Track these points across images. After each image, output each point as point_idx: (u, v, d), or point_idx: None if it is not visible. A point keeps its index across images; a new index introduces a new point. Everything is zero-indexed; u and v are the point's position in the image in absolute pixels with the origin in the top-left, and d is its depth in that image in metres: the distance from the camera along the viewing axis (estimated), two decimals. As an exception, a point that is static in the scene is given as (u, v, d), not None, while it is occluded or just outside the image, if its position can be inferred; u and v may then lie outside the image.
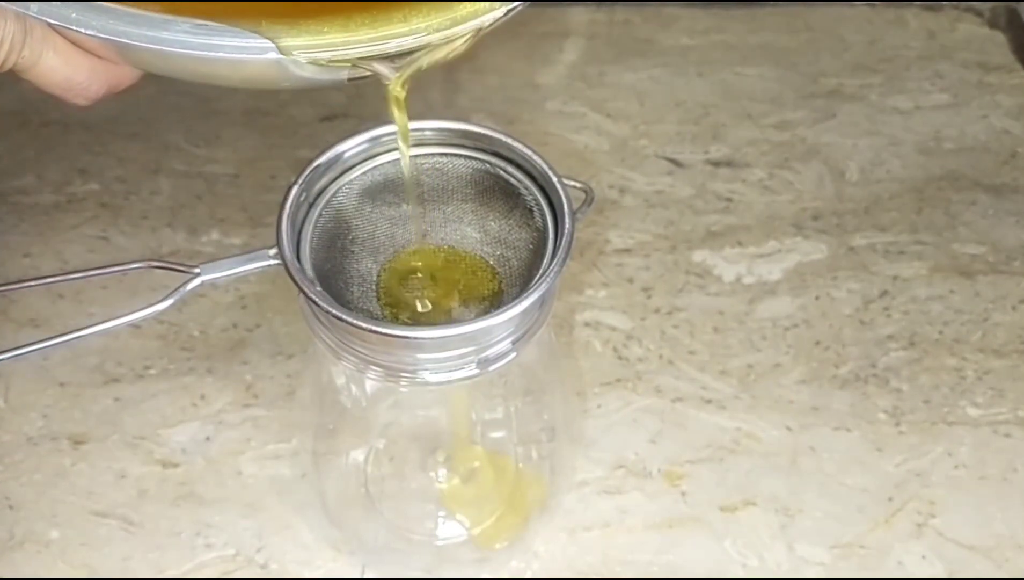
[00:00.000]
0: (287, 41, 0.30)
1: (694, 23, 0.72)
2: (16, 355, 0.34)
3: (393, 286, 0.38)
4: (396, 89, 0.34)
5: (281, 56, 0.30)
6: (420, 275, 0.39)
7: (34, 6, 0.30)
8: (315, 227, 0.37)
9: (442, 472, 0.47)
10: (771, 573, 0.46)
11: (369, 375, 0.36)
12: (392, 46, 0.31)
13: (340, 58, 0.31)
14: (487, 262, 0.39)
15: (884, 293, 0.57)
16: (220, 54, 0.30)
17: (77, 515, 0.47)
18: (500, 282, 0.39)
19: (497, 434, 0.47)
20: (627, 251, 0.58)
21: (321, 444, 0.45)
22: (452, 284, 0.39)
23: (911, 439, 0.51)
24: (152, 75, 0.33)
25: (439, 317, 0.38)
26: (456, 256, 0.39)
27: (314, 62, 0.31)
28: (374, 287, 0.38)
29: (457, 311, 0.38)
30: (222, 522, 0.47)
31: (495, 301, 0.38)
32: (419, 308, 0.38)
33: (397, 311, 0.38)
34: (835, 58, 0.70)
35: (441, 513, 0.46)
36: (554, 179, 0.37)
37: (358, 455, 0.46)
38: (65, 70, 0.32)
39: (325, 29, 0.31)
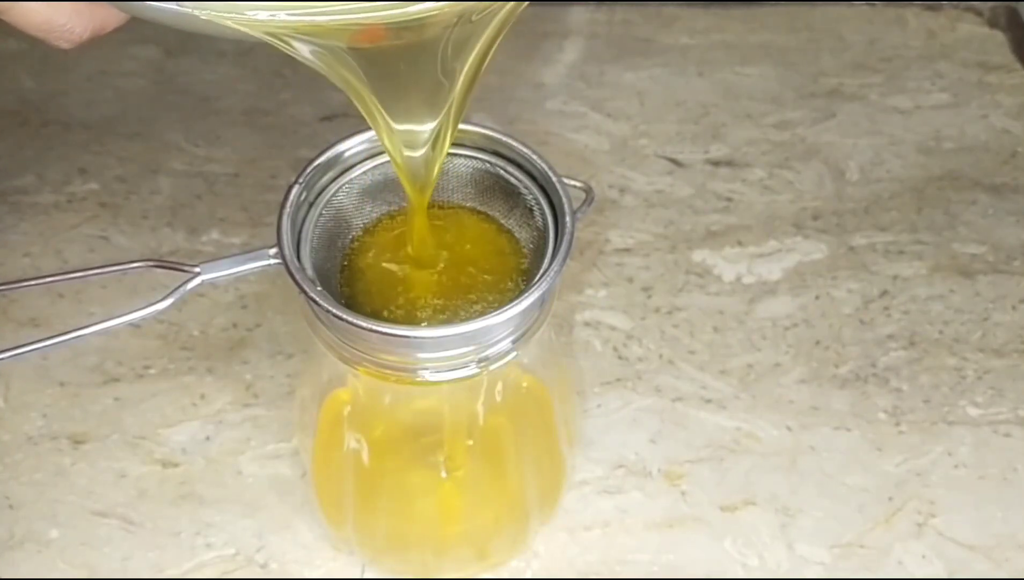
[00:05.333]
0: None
1: (694, 23, 0.72)
2: (16, 355, 0.34)
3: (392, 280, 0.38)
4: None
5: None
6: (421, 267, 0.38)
7: None
8: (315, 227, 0.37)
9: (442, 471, 0.46)
10: (771, 573, 0.46)
11: (369, 374, 0.36)
12: (398, 13, 0.28)
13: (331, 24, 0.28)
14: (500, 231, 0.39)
15: (884, 293, 0.57)
16: (196, 11, 0.27)
17: (77, 515, 0.47)
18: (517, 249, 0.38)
19: (497, 433, 0.47)
20: (627, 251, 0.58)
21: (321, 444, 0.45)
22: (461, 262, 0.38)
23: (911, 439, 0.51)
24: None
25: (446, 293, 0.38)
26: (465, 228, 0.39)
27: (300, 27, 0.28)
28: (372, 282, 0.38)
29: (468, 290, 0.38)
30: (222, 522, 0.47)
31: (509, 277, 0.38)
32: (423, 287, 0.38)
33: (397, 303, 0.38)
34: (835, 58, 0.70)
35: (441, 512, 0.46)
36: (554, 179, 0.37)
37: (358, 454, 0.46)
38: (45, 11, 0.30)
39: None
